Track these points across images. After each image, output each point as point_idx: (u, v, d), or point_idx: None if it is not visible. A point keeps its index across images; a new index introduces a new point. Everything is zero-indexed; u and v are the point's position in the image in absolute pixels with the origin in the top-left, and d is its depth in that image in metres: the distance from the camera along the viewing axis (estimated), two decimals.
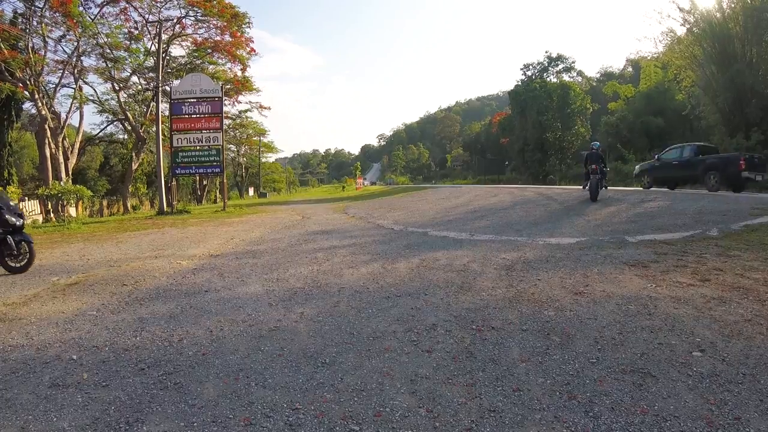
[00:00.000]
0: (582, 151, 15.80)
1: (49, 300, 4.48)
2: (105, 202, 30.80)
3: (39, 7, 17.70)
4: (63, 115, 20.55)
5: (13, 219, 6.05)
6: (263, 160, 52.05)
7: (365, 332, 3.25)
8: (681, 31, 21.93)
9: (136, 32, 20.51)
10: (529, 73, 41.64)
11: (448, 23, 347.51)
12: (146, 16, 20.26)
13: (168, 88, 18.99)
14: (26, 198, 15.01)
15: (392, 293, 4.22)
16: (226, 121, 27.84)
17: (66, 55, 19.86)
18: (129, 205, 25.49)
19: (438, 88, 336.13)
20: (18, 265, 6.14)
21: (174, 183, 18.56)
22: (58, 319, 3.81)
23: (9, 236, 5.98)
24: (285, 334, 3.29)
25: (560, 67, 41.14)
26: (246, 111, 33.11)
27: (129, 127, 24.16)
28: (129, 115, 23.05)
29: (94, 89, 23.93)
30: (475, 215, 10.37)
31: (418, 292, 4.24)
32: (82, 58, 20.28)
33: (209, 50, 22.62)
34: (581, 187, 11.79)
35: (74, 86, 20.71)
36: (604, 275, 4.48)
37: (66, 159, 19.60)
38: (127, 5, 19.55)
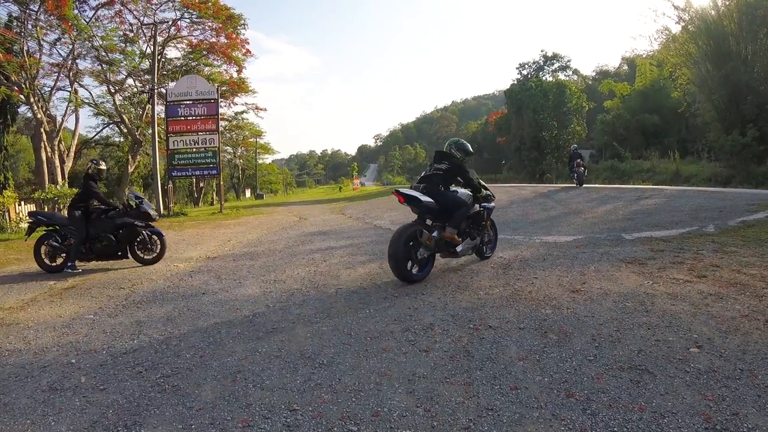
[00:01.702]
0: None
1: (47, 304, 4.46)
2: None
3: (34, 10, 17.59)
4: (59, 119, 20.39)
5: (152, 212, 6.22)
6: (260, 161, 51.90)
7: (363, 332, 3.25)
8: (676, 29, 22.05)
9: (132, 35, 20.34)
10: (525, 72, 41.73)
11: (445, 23, 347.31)
12: (141, 18, 20.14)
13: (164, 91, 18.90)
14: (23, 202, 14.86)
15: (389, 293, 4.22)
16: (222, 123, 27.58)
17: (61, 58, 19.68)
18: None
19: (434, 87, 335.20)
20: (150, 257, 6.28)
21: (170, 185, 18.44)
22: (55, 323, 3.81)
23: (144, 230, 6.15)
24: (282, 335, 3.29)
25: (556, 65, 41.24)
26: (242, 112, 32.96)
27: (125, 130, 24.00)
28: (125, 117, 22.92)
29: (90, 92, 23.86)
30: None
31: (415, 291, 4.24)
32: (77, 61, 20.13)
33: (205, 52, 22.51)
34: (574, 184, 15.81)
35: (70, 89, 20.57)
36: (601, 273, 4.50)
37: (62, 162, 19.48)
38: (122, 8, 19.43)
